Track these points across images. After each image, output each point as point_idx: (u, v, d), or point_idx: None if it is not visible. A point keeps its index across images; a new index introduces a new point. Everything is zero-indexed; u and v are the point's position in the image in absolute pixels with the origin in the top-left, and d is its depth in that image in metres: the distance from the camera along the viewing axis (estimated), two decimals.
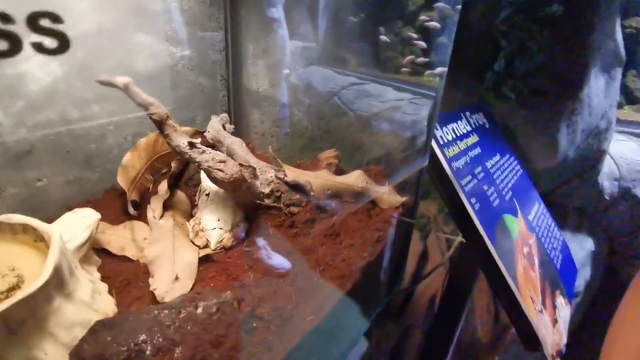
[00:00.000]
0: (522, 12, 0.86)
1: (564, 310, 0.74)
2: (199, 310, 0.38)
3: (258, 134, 0.88)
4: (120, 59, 0.59)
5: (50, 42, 0.49)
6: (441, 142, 0.63)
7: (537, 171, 0.94)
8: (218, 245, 0.53)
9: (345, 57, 0.84)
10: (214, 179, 0.50)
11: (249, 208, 0.57)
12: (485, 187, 0.69)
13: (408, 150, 0.68)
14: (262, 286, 0.45)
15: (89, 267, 0.49)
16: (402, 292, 0.82)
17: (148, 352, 0.36)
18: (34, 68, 0.50)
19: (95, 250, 0.52)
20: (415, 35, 0.78)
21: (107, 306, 0.44)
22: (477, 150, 0.75)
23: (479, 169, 0.71)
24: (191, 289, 0.46)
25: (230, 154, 0.60)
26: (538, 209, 0.86)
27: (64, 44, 0.45)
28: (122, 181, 0.57)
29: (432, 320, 0.94)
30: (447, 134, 0.67)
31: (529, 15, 0.86)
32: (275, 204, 0.54)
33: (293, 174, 0.59)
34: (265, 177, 0.55)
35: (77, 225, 0.47)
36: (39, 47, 0.43)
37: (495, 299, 0.90)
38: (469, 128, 0.76)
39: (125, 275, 0.48)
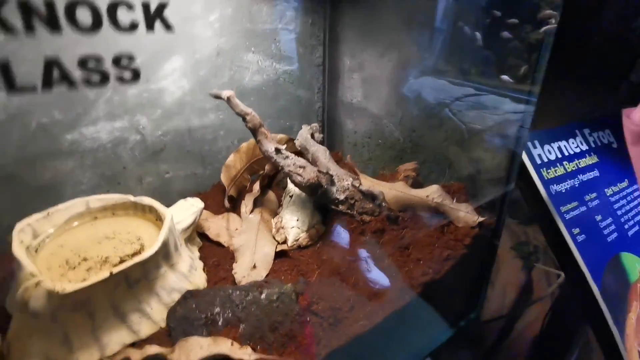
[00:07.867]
0: None
1: None
2: (263, 296, 0.43)
3: (350, 143, 0.92)
4: (232, 75, 0.70)
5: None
6: (538, 162, 0.56)
7: None
8: (295, 242, 0.58)
9: (464, 66, 0.79)
10: (293, 182, 0.56)
11: (326, 212, 0.60)
12: (598, 218, 0.59)
13: (500, 170, 0.62)
14: (324, 285, 0.48)
15: (192, 246, 0.60)
16: (485, 323, 0.75)
17: (220, 323, 0.43)
18: (169, 84, 0.63)
19: (198, 233, 0.63)
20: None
21: (199, 280, 0.53)
22: (594, 173, 0.64)
23: (592, 195, 0.61)
24: (265, 278, 0.52)
25: (315, 161, 0.66)
26: None
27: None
28: (224, 178, 0.67)
29: None
30: (550, 152, 0.59)
31: None
32: (349, 211, 0.57)
33: (368, 183, 0.61)
34: (342, 184, 0.58)
35: (185, 211, 0.58)
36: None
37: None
38: (584, 147, 0.66)
39: (216, 258, 0.57)
